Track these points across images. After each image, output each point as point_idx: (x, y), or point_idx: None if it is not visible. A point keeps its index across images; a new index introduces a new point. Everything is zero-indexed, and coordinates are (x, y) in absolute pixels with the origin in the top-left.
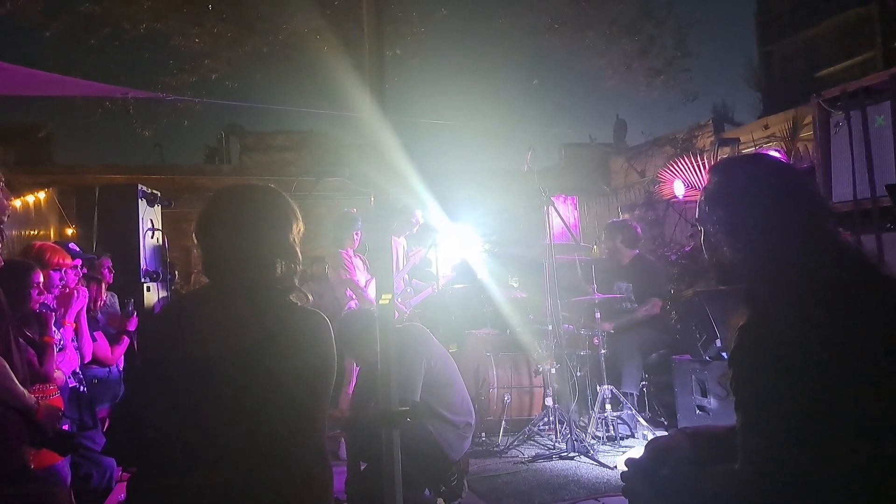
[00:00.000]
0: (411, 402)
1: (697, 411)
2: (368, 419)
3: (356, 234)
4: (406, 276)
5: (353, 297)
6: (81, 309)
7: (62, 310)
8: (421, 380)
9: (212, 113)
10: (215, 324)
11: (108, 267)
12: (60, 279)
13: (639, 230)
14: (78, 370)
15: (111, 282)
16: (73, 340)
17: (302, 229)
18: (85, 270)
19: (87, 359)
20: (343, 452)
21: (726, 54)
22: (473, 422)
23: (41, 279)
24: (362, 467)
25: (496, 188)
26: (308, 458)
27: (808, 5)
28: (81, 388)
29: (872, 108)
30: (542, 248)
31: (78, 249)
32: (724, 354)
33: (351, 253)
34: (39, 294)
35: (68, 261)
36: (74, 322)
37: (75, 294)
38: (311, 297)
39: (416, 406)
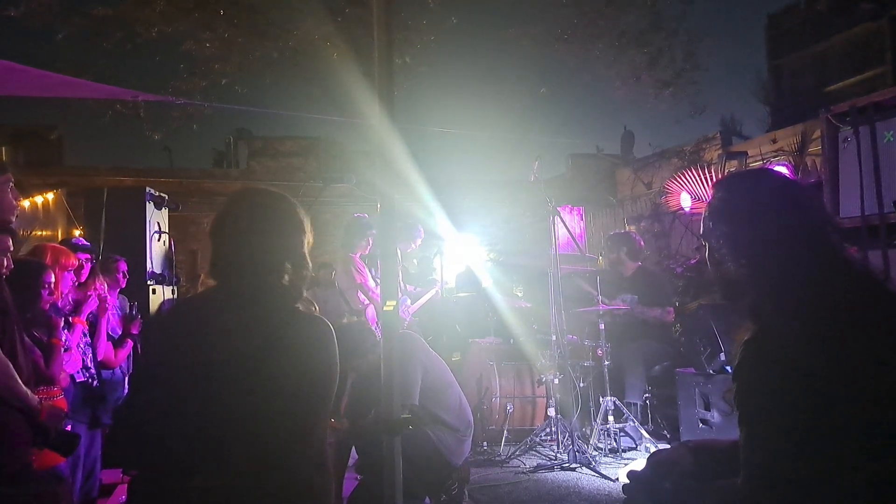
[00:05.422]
0: (410, 405)
1: (700, 425)
2: (366, 429)
3: (369, 239)
4: (402, 284)
5: (366, 302)
6: (98, 310)
7: (77, 307)
8: (418, 385)
9: (221, 117)
10: (220, 328)
11: (124, 271)
12: (73, 280)
13: (641, 242)
14: (90, 364)
15: (124, 286)
16: (84, 336)
17: (311, 241)
18: (93, 263)
19: (101, 356)
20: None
21: (735, 67)
22: (472, 424)
23: (52, 280)
24: (358, 479)
25: (502, 197)
26: (309, 464)
27: (818, 20)
28: (94, 382)
29: (881, 124)
30: (547, 259)
31: (86, 243)
32: (728, 368)
33: (359, 258)
34: (50, 294)
35: (74, 261)
36: (87, 322)
37: (91, 294)
38: (316, 306)
39: (415, 410)
